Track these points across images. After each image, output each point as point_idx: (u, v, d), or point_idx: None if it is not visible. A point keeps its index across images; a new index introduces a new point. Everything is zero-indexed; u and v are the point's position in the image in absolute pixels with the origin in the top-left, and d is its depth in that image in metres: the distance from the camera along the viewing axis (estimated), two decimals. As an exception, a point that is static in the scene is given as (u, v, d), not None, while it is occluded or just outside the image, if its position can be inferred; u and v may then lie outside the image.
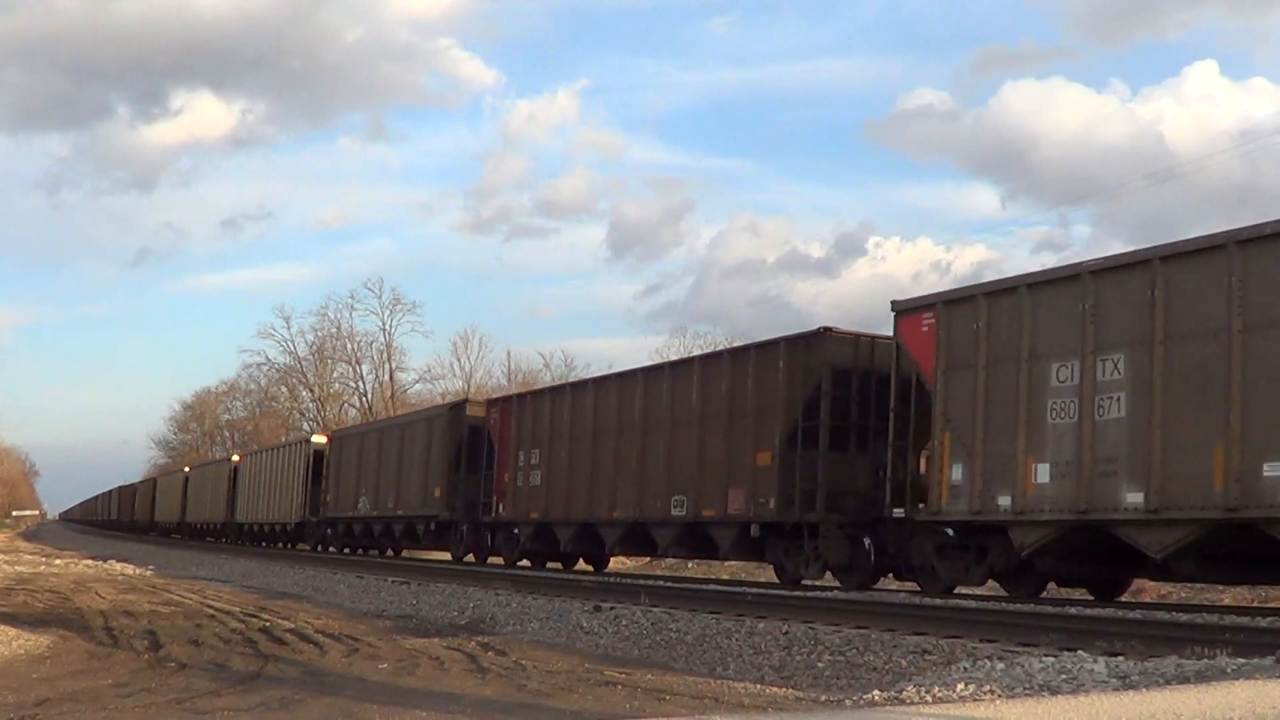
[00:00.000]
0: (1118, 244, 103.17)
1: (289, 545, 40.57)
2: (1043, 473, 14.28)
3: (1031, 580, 15.54)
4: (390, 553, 34.26)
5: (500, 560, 26.92)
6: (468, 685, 9.36)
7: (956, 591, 16.25)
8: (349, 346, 71.90)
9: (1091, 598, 16.02)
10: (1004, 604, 14.17)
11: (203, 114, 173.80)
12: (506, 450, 25.99)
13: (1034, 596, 15.48)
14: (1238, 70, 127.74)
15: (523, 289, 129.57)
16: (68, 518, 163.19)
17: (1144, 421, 13.30)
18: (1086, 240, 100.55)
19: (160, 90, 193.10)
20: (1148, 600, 17.12)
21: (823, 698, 8.47)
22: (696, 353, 22.01)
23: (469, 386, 64.01)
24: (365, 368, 71.67)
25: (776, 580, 18.90)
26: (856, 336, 18.19)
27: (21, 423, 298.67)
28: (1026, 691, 7.43)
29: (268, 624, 14.15)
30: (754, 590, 16.20)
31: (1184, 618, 11.68)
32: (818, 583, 18.05)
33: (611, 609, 14.11)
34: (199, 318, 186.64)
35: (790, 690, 9.09)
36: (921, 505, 15.90)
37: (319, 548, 37.95)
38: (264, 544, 43.31)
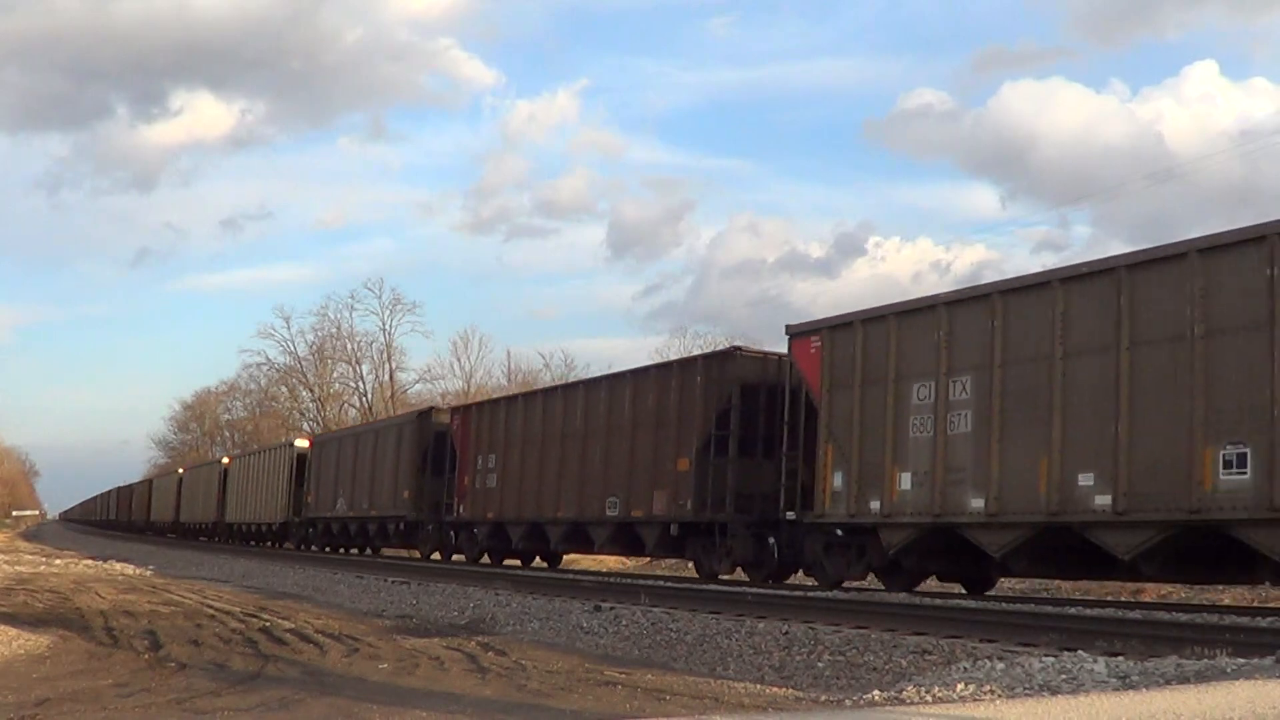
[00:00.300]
0: (1118, 244, 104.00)
1: (276, 544, 42.42)
2: (905, 480, 16.25)
3: (904, 576, 17.45)
4: (369, 551, 36.09)
5: (462, 557, 28.96)
6: (468, 685, 9.37)
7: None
8: (349, 346, 72.39)
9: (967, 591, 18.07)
10: (1004, 604, 14.83)
11: (202, 114, 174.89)
12: (467, 455, 28.01)
13: (910, 589, 17.28)
14: (1237, 70, 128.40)
15: (523, 289, 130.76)
16: (68, 518, 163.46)
17: (985, 436, 15.21)
18: (1087, 240, 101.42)
19: (160, 90, 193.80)
20: (1148, 600, 17.80)
21: (823, 698, 8.52)
22: (623, 369, 24.01)
23: (469, 386, 65.03)
24: (365, 368, 72.15)
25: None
26: (764, 355, 20.25)
27: (21, 423, 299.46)
28: (1026, 691, 7.45)
29: (268, 624, 14.22)
30: (754, 590, 16.72)
31: (1184, 618, 11.82)
32: (729, 577, 20.14)
33: (611, 609, 14.34)
34: (199, 318, 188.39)
35: (790, 690, 9.12)
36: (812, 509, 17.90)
37: (301, 546, 39.80)
38: (253, 543, 45.21)
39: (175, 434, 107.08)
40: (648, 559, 26.07)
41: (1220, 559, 13.48)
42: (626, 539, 22.55)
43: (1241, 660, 8.03)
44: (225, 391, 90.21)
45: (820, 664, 10.27)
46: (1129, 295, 13.89)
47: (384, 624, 14.92)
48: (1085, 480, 14.03)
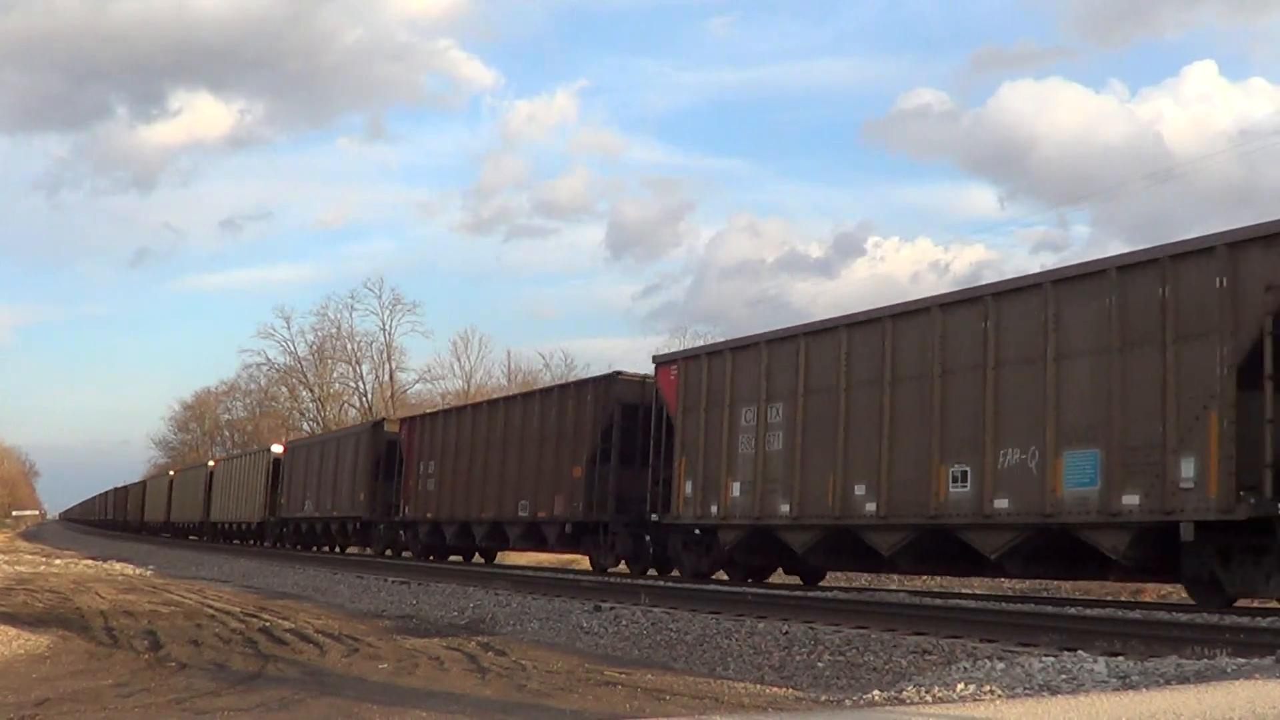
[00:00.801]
0: (1117, 244, 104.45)
1: (256, 542, 45.79)
2: (736, 489, 19.47)
3: (742, 570, 20.59)
4: (337, 549, 39.19)
5: (409, 553, 32.38)
6: (468, 685, 9.41)
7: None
8: (349, 346, 72.69)
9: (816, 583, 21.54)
10: (1004, 604, 15.34)
11: (202, 114, 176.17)
12: (412, 461, 31.61)
13: (753, 581, 20.36)
14: (1236, 70, 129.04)
15: (522, 289, 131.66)
16: (68, 518, 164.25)
17: (792, 453, 18.37)
18: (1086, 240, 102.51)
19: (159, 91, 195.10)
20: (1148, 600, 18.37)
21: (823, 698, 8.54)
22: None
23: (469, 387, 66.41)
24: (365, 368, 72.41)
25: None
26: (643, 378, 23.63)
27: (21, 423, 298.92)
28: (1026, 691, 7.46)
29: (268, 624, 14.38)
30: (754, 590, 17.18)
31: (1184, 618, 11.81)
32: (615, 569, 23.52)
33: (611, 609, 14.56)
34: (199, 318, 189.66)
35: (790, 690, 9.15)
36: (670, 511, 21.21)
37: (276, 544, 43.12)
38: (235, 541, 48.68)
39: (175, 434, 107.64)
40: (551, 552, 29.52)
41: (956, 556, 16.56)
42: (535, 536, 26.04)
43: (1241, 660, 8.07)
44: (225, 392, 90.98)
45: (820, 664, 10.41)
46: (892, 340, 17.04)
47: (384, 624, 15.27)
48: (860, 491, 17.20)
